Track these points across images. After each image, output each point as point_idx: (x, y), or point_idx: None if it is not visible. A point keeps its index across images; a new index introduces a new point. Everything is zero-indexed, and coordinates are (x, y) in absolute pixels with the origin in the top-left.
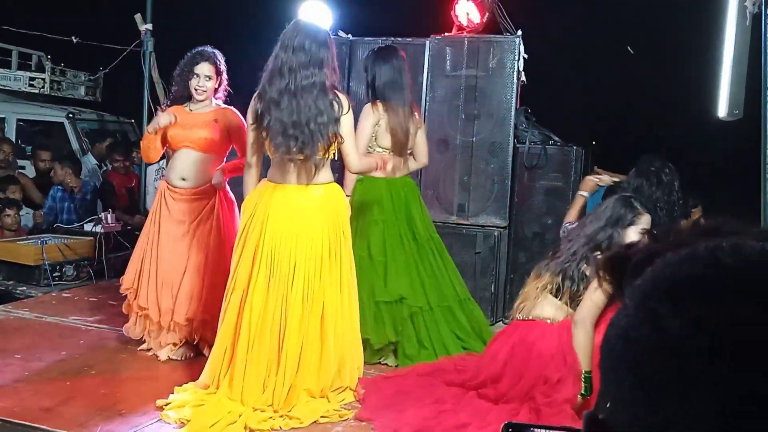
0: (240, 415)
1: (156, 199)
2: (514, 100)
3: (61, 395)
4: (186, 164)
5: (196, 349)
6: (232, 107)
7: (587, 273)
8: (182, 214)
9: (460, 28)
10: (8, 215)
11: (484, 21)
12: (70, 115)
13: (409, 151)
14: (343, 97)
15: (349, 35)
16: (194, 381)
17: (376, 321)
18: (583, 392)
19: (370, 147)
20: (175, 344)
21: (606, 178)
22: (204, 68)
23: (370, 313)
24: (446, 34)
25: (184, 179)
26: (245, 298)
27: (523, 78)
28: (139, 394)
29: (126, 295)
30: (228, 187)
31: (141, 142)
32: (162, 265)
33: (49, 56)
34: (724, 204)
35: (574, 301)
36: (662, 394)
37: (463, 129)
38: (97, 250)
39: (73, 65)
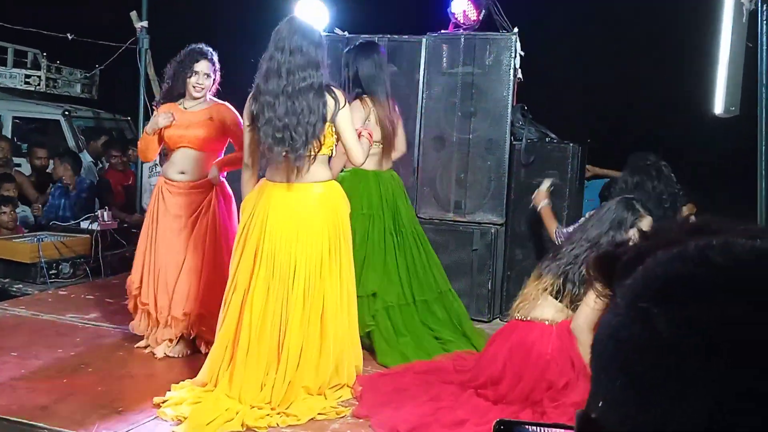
0: (237, 413)
1: (153, 195)
2: (510, 97)
3: (57, 393)
4: (184, 161)
5: (192, 347)
6: (226, 103)
7: None
8: (179, 208)
9: (457, 25)
10: (4, 212)
11: (481, 18)
12: (66, 113)
13: None
14: (339, 93)
15: (346, 32)
16: (191, 378)
17: None
18: None
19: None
20: (171, 340)
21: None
22: (203, 66)
23: None
24: (443, 31)
25: (182, 173)
26: (246, 298)
27: (520, 75)
28: (136, 391)
29: (128, 293)
30: (226, 183)
31: (138, 142)
32: (159, 260)
33: (44, 53)
34: (721, 200)
35: (575, 304)
36: (654, 394)
37: (459, 126)
38: (93, 248)
39: (69, 63)
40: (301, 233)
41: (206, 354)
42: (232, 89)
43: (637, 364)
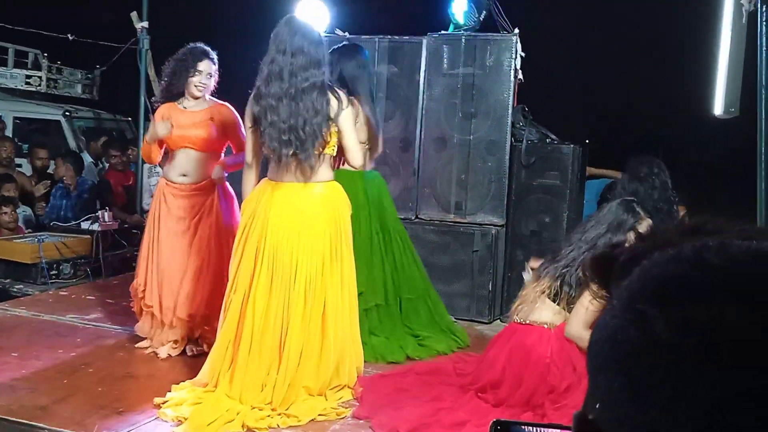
0: (238, 413)
1: (155, 197)
2: (511, 98)
3: (58, 393)
4: (186, 162)
5: (197, 347)
6: (226, 103)
7: None
8: (182, 210)
9: (457, 26)
10: (5, 213)
11: (482, 19)
12: (67, 113)
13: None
14: (341, 94)
15: (346, 33)
16: (192, 379)
17: None
18: None
19: None
20: (176, 342)
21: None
22: (206, 66)
23: None
24: (443, 32)
25: (184, 175)
26: (247, 299)
27: (520, 76)
28: (136, 392)
29: (132, 297)
30: (228, 183)
31: (141, 149)
32: (163, 262)
33: (45, 54)
34: (720, 201)
35: (571, 306)
36: (651, 395)
37: (460, 127)
38: (94, 249)
39: (70, 63)
40: (303, 233)
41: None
42: (231, 89)
43: (635, 366)
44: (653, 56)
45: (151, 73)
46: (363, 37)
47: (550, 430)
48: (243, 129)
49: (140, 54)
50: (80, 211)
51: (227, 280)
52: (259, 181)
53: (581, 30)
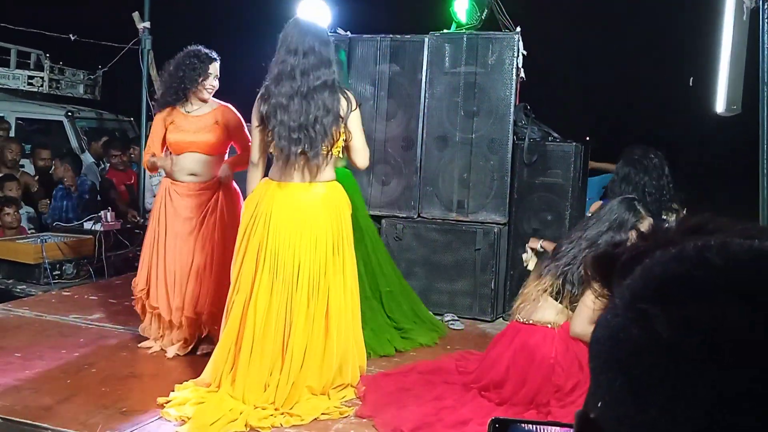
0: (241, 413)
1: (158, 197)
2: (513, 96)
3: (61, 393)
4: (192, 164)
5: (208, 346)
6: (228, 104)
7: None
8: (189, 210)
9: (459, 25)
10: (7, 213)
11: (483, 17)
12: (69, 114)
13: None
14: (350, 95)
15: (348, 32)
16: (195, 379)
17: None
18: None
19: None
20: (185, 341)
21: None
22: (215, 68)
23: None
24: (445, 30)
25: (191, 174)
26: (249, 298)
27: (522, 75)
28: (140, 391)
29: (133, 295)
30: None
31: (143, 161)
32: (170, 263)
33: (47, 55)
34: (723, 199)
35: (574, 305)
36: (652, 394)
37: (462, 126)
38: (97, 249)
39: (72, 63)
40: (305, 233)
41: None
42: (232, 90)
43: (636, 365)
44: (655, 54)
45: (153, 73)
46: (365, 36)
47: (549, 427)
48: (246, 129)
49: (142, 54)
50: (82, 211)
51: None
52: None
53: (583, 28)
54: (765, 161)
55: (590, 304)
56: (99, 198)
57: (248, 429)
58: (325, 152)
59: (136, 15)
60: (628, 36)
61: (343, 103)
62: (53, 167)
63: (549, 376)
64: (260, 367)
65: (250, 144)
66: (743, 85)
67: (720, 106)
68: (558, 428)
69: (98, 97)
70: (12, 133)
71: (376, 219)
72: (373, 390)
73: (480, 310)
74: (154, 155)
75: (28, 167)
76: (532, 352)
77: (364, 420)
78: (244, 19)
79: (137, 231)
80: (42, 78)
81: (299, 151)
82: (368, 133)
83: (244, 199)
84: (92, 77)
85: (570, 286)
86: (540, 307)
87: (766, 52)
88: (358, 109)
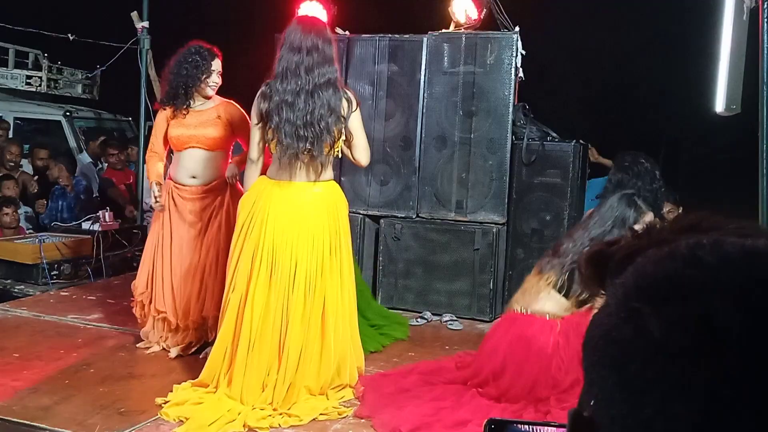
0: (239, 414)
1: (162, 199)
2: (511, 96)
3: (59, 394)
4: (194, 163)
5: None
6: (232, 101)
7: None
8: (194, 215)
9: (458, 25)
10: (6, 213)
11: (482, 17)
12: (68, 113)
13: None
14: (351, 94)
15: (347, 32)
16: (193, 379)
17: None
18: None
19: None
20: (190, 344)
21: None
22: (218, 64)
23: None
24: (444, 30)
25: (193, 177)
26: (246, 297)
27: (521, 74)
28: (138, 392)
29: (132, 297)
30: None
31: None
32: (176, 267)
33: (45, 54)
34: (723, 199)
35: (582, 303)
36: (644, 394)
37: (460, 126)
38: (95, 249)
39: (70, 63)
40: (302, 232)
41: None
42: (231, 89)
43: (629, 364)
44: (655, 54)
45: (152, 72)
46: (363, 35)
47: (545, 428)
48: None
49: (141, 54)
50: (79, 211)
51: None
52: None
53: (582, 28)
54: (765, 161)
55: None
56: (97, 197)
57: (246, 429)
58: (326, 151)
59: (134, 14)
60: (628, 36)
61: (344, 102)
62: (49, 167)
63: (547, 368)
64: (258, 367)
65: None
66: (743, 85)
67: (719, 105)
68: (554, 428)
69: (96, 96)
70: (10, 134)
71: (375, 219)
72: (371, 390)
73: (479, 311)
74: (158, 184)
75: (27, 167)
76: (529, 343)
77: (363, 420)
78: (242, 18)
79: (135, 231)
80: (40, 78)
81: (304, 148)
82: (367, 132)
83: None
84: (90, 77)
85: (577, 286)
86: (541, 298)
87: (765, 52)
88: (358, 109)
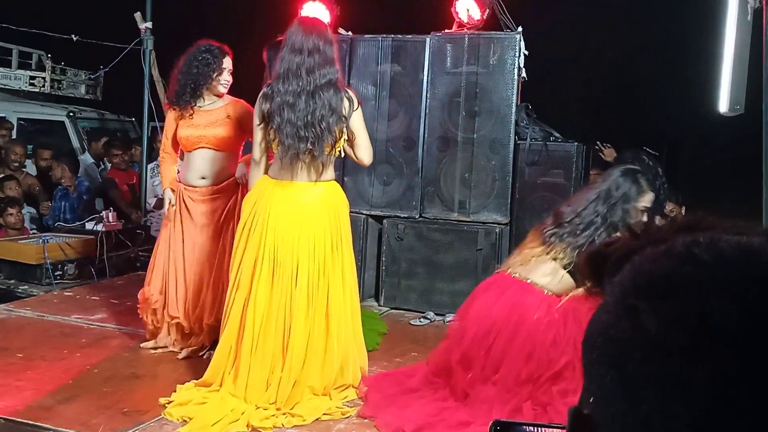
0: (243, 413)
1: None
2: (514, 96)
3: (63, 394)
4: (204, 163)
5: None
6: (242, 100)
7: None
8: (205, 217)
9: (461, 25)
10: (11, 214)
11: (485, 17)
12: (71, 114)
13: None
14: (352, 94)
15: (350, 32)
16: (197, 379)
17: None
18: None
19: None
20: (203, 346)
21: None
22: (229, 62)
23: None
24: (446, 30)
25: (203, 178)
26: (249, 297)
27: (524, 74)
28: (141, 392)
29: (138, 303)
30: None
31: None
32: (189, 272)
33: (49, 55)
34: (726, 199)
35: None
36: (643, 391)
37: (463, 126)
38: (98, 249)
39: (74, 64)
40: (303, 231)
41: None
42: (236, 90)
43: (626, 361)
44: (658, 54)
45: (155, 73)
46: (366, 36)
47: (551, 429)
48: None
49: (144, 54)
50: (82, 211)
51: None
52: None
53: (585, 27)
54: None
55: None
56: (101, 198)
57: (250, 429)
58: (327, 151)
59: (137, 15)
60: (631, 36)
61: (345, 103)
62: (52, 168)
63: (542, 342)
64: (261, 365)
65: None
66: (747, 85)
67: (723, 106)
68: (559, 430)
69: (100, 97)
70: (14, 134)
71: (378, 219)
72: (375, 390)
73: None
74: (171, 190)
75: (30, 167)
76: (524, 311)
77: (366, 420)
78: (245, 19)
79: (139, 231)
80: (44, 78)
81: (305, 149)
82: (370, 133)
83: None
84: (94, 77)
85: None
86: (542, 270)
87: None
88: (359, 108)
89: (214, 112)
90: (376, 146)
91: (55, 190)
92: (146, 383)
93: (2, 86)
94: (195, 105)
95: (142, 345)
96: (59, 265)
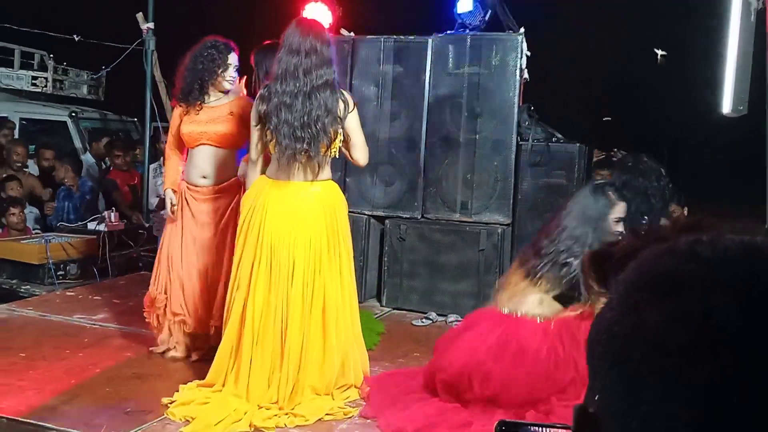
0: (245, 413)
1: (176, 200)
2: (516, 97)
3: (65, 394)
4: (205, 161)
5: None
6: (248, 96)
7: None
8: (206, 215)
9: (463, 26)
10: (13, 214)
11: (487, 18)
12: (73, 114)
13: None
14: (347, 95)
15: (352, 33)
16: (199, 379)
17: None
18: None
19: None
20: (210, 348)
21: None
22: (234, 58)
23: None
24: (449, 31)
25: (204, 177)
26: (248, 296)
27: (526, 75)
28: (144, 392)
29: (145, 308)
30: None
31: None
32: (193, 270)
33: (51, 55)
34: (728, 199)
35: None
36: (644, 388)
37: (466, 127)
38: (100, 249)
39: (76, 64)
40: (299, 230)
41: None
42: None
43: (628, 359)
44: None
45: (157, 74)
46: (368, 37)
47: (556, 429)
48: None
49: (146, 55)
50: (85, 211)
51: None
52: None
53: (587, 28)
54: None
55: None
56: (102, 198)
57: (252, 429)
58: (323, 151)
59: (140, 15)
60: (633, 37)
61: (341, 103)
62: (55, 168)
63: (544, 371)
64: (262, 364)
65: None
66: (750, 86)
67: (726, 106)
68: (565, 430)
69: (102, 97)
70: (16, 134)
71: (380, 220)
72: (377, 390)
73: None
74: (173, 191)
75: (32, 168)
76: (522, 347)
77: (368, 420)
78: (247, 20)
79: (141, 231)
80: (46, 78)
81: (301, 149)
82: (371, 133)
83: None
84: (96, 78)
85: (582, 295)
86: (530, 301)
87: None
88: (355, 109)
89: (217, 109)
90: (378, 147)
91: (57, 190)
92: (149, 383)
93: (4, 86)
94: (203, 102)
95: (152, 349)
96: (61, 265)
